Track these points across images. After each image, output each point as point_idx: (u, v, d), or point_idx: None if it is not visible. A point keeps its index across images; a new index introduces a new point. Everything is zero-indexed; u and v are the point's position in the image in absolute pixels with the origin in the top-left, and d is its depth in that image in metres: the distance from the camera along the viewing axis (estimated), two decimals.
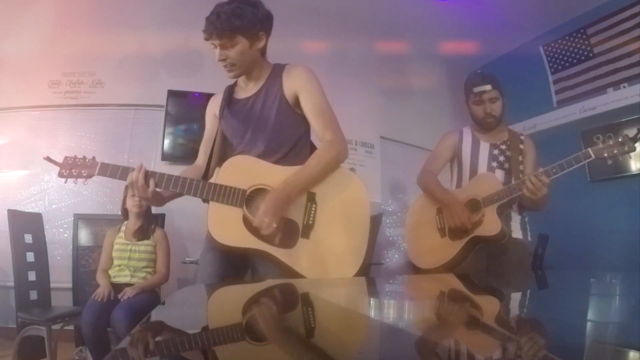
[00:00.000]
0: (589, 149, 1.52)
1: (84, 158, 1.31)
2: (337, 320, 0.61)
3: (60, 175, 1.31)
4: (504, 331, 0.56)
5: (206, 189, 1.24)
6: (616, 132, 1.56)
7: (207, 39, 1.29)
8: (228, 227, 1.22)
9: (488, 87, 1.79)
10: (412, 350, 0.45)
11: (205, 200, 1.27)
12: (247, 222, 1.22)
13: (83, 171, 1.29)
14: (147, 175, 1.24)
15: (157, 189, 1.26)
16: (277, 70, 1.38)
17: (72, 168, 1.30)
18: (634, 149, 1.48)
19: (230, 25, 1.24)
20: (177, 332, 0.51)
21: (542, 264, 3.01)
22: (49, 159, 1.33)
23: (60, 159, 1.33)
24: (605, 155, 1.51)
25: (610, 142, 1.51)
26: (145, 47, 3.29)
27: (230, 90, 1.46)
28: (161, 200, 1.34)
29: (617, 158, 1.51)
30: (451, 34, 3.91)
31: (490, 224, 1.67)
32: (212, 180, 1.32)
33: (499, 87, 1.82)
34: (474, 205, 1.72)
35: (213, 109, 1.49)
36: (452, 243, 1.73)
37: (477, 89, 1.80)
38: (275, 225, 1.17)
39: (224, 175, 1.27)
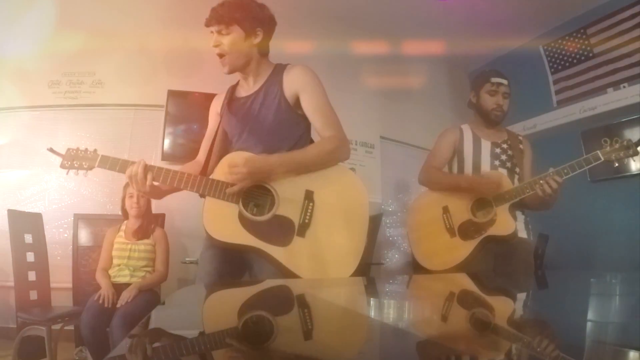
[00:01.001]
0: (598, 152, 1.58)
1: (86, 150, 1.33)
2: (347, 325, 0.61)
3: (63, 166, 1.33)
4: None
5: (203, 184, 1.25)
6: (618, 134, 1.60)
7: (207, 25, 1.33)
8: (223, 222, 1.23)
9: (506, 82, 1.83)
10: None
11: (203, 195, 1.28)
12: (242, 219, 1.22)
13: (84, 163, 1.31)
14: (146, 169, 1.26)
15: (155, 183, 1.27)
16: (278, 70, 1.39)
17: (74, 160, 1.32)
18: (637, 153, 1.57)
19: (231, 14, 1.29)
20: (174, 337, 0.50)
21: (542, 264, 3.01)
22: (52, 150, 1.36)
23: (60, 159, 1.34)
24: (613, 158, 1.57)
25: (617, 146, 1.57)
26: (146, 47, 3.29)
27: (233, 89, 1.48)
28: (159, 193, 1.36)
29: (622, 161, 1.59)
30: (451, 33, 3.90)
31: (504, 224, 1.67)
32: (210, 176, 1.32)
33: (510, 89, 1.86)
34: (485, 204, 1.71)
35: (216, 107, 1.52)
36: (463, 243, 1.71)
37: (495, 80, 1.83)
38: (242, 183, 1.20)
39: (221, 171, 1.27)
